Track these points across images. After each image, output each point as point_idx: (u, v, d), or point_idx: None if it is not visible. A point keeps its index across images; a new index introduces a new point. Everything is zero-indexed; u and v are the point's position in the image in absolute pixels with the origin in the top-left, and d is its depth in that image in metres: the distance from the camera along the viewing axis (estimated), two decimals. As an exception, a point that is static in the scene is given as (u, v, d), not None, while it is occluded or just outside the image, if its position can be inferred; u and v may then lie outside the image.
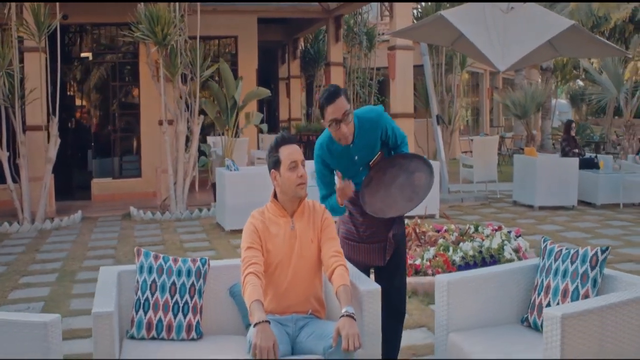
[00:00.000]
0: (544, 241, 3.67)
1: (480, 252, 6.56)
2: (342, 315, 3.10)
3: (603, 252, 3.37)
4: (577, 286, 3.34)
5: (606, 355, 2.91)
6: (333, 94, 3.55)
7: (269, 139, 15.78)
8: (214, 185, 11.76)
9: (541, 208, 10.92)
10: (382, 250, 3.79)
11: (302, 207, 3.53)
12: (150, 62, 10.83)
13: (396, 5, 12.24)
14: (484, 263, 6.44)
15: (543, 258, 3.58)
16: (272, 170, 3.47)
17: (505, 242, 6.75)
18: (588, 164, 11.60)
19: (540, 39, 8.23)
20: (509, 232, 7.16)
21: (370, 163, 3.73)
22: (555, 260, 3.49)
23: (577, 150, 12.03)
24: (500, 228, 7.33)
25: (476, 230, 7.31)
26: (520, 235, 7.17)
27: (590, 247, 3.44)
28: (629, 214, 10.57)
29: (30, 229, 9.77)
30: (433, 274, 6.28)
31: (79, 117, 17.34)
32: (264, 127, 13.69)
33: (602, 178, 11.14)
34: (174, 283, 3.56)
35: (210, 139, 14.18)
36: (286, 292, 3.44)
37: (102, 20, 13.21)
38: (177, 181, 10.84)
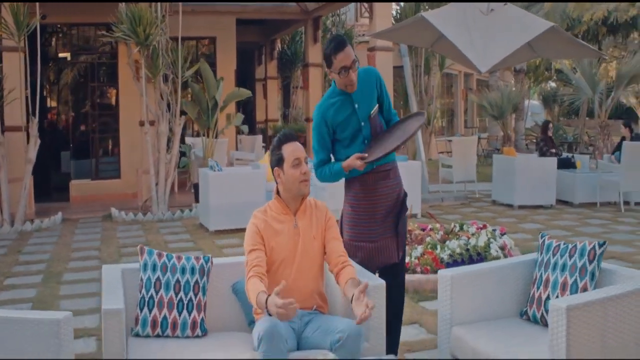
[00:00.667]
0: (542, 237, 3.76)
1: (467, 249, 6.66)
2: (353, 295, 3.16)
3: (601, 246, 3.46)
4: (576, 279, 3.42)
5: (607, 344, 2.99)
6: (342, 42, 3.75)
7: (248, 140, 15.82)
8: (195, 186, 11.73)
9: (520, 207, 11.07)
10: (394, 246, 3.87)
11: (304, 205, 3.58)
12: (131, 62, 10.77)
13: (376, 6, 12.34)
14: (471, 260, 6.53)
15: (541, 253, 3.66)
16: (276, 168, 3.51)
17: (491, 240, 6.86)
18: (565, 164, 11.79)
19: (520, 40, 8.36)
20: (494, 230, 7.27)
21: (370, 115, 3.91)
22: (554, 254, 3.57)
23: (554, 151, 12.20)
24: (485, 226, 7.43)
25: (461, 228, 7.40)
26: (505, 233, 7.29)
27: (588, 241, 3.53)
28: (606, 212, 10.77)
29: (10, 231, 9.66)
30: (422, 272, 6.37)
31: (55, 118, 17.18)
32: (245, 128, 13.70)
33: (580, 177, 11.34)
34: (178, 281, 3.57)
35: (188, 140, 14.14)
36: (290, 289, 3.46)
37: (81, 20, 13.11)
38: (159, 182, 10.80)
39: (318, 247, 3.54)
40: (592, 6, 14.00)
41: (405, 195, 4.05)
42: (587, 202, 11.35)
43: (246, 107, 21.45)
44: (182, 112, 11.39)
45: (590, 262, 3.42)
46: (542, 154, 12.09)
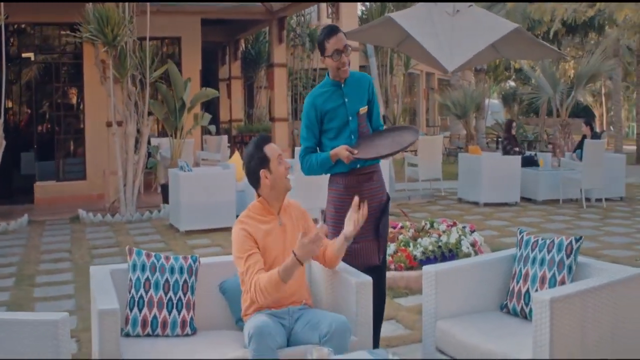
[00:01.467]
0: (520, 232, 3.90)
1: (440, 247, 6.80)
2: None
3: (577, 241, 3.61)
4: (554, 273, 3.57)
5: (587, 335, 3.14)
6: (334, 28, 4.01)
7: (214, 140, 15.79)
8: (163, 187, 11.70)
9: (486, 204, 11.30)
10: (375, 248, 3.98)
11: (285, 204, 3.67)
12: (98, 63, 10.68)
13: (342, 7, 12.46)
14: (444, 257, 6.68)
15: (520, 248, 3.80)
16: (261, 170, 3.56)
17: (462, 237, 7.02)
18: (528, 162, 12.07)
19: (486, 41, 8.55)
20: (464, 227, 7.44)
21: (359, 112, 4.05)
22: (533, 249, 3.71)
23: (517, 149, 12.48)
24: (455, 224, 7.58)
25: (432, 226, 7.54)
26: (474, 231, 7.45)
27: (565, 237, 3.68)
28: (569, 209, 11.06)
29: (-24, 234, 9.53)
30: (396, 269, 6.49)
31: (17, 118, 16.91)
32: (212, 128, 13.69)
33: (543, 175, 11.63)
34: (167, 280, 3.62)
35: (154, 140, 14.06)
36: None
37: (45, 19, 12.93)
38: (127, 183, 10.74)
39: None
40: (554, 7, 14.32)
41: (389, 199, 4.16)
42: (550, 199, 11.65)
43: (209, 107, 21.37)
44: (149, 113, 11.35)
45: (568, 256, 3.57)
46: (506, 152, 12.36)
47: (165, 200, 11.34)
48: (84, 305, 6.02)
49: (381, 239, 4.09)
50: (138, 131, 10.90)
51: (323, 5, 16.93)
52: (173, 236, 9.16)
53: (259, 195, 3.66)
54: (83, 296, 6.32)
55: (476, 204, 11.45)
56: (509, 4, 15.98)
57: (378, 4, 13.83)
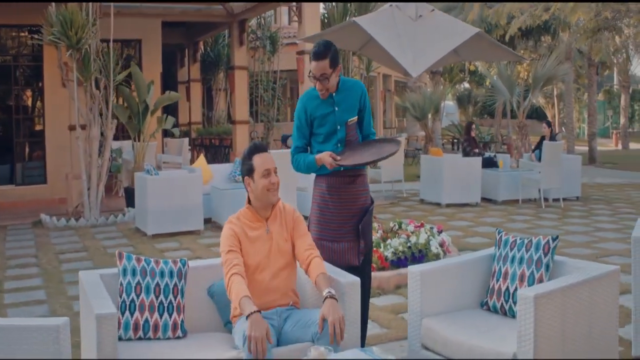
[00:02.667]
0: (499, 233, 4.06)
1: (409, 247, 6.95)
2: (325, 298, 3.36)
3: (554, 240, 3.78)
4: (532, 271, 3.73)
5: (567, 330, 3.30)
6: (318, 53, 3.98)
7: (175, 143, 15.73)
8: (126, 190, 11.63)
9: (448, 205, 11.54)
10: (356, 250, 4.10)
11: (274, 212, 3.75)
12: (61, 65, 10.57)
13: (305, 10, 12.54)
14: (414, 258, 6.83)
15: (499, 248, 3.96)
16: (246, 177, 3.67)
17: (431, 237, 7.18)
18: (488, 163, 12.34)
19: (449, 46, 8.74)
20: (432, 228, 7.60)
21: (348, 122, 4.14)
22: (511, 249, 3.87)
23: (477, 150, 12.75)
24: (422, 225, 7.75)
25: (400, 227, 7.69)
26: (442, 231, 7.63)
27: (542, 236, 3.85)
28: (528, 209, 11.37)
29: (-64, 240, 9.34)
30: (368, 270, 6.61)
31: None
32: (176, 131, 13.64)
33: (503, 176, 11.92)
34: (157, 284, 3.66)
35: (114, 144, 13.92)
36: (267, 289, 3.64)
37: (3, 21, 12.70)
38: (91, 187, 10.65)
39: (289, 248, 3.74)
40: (511, 12, 14.68)
41: (372, 202, 4.28)
42: (509, 200, 11.95)
43: (168, 110, 21.24)
44: (113, 116, 11.26)
45: (545, 254, 3.74)
46: (466, 154, 12.61)
47: (129, 203, 11.27)
48: (57, 310, 6.00)
49: (362, 241, 4.20)
50: (102, 134, 10.81)
51: (286, 8, 17.04)
52: (141, 240, 9.13)
53: (249, 200, 3.74)
54: (56, 301, 6.30)
55: (438, 204, 11.67)
56: (469, 17, 16.29)
57: (340, 6, 13.95)
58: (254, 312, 3.22)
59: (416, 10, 8.75)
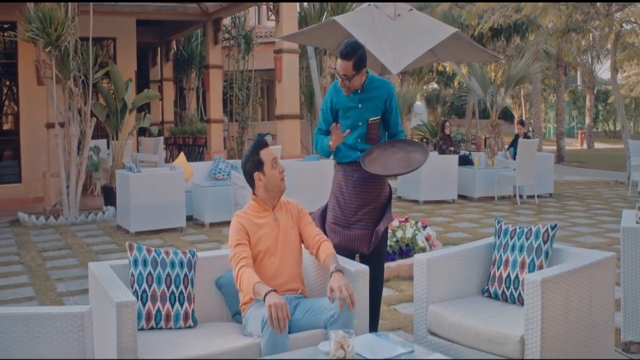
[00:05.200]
0: (498, 222, 4.19)
1: (397, 241, 7.08)
2: (332, 272, 3.48)
3: (552, 228, 3.92)
4: (532, 258, 3.86)
5: (570, 313, 3.44)
6: (344, 54, 4.08)
7: (149, 142, 15.63)
8: (104, 188, 11.57)
9: (426, 202, 11.71)
10: (367, 238, 4.19)
11: (280, 203, 3.86)
12: (40, 63, 10.47)
13: (283, 10, 12.59)
14: (401, 251, 6.97)
15: (499, 237, 4.09)
16: (256, 172, 3.77)
17: (417, 232, 7.32)
18: (464, 161, 12.55)
19: (427, 45, 8.87)
20: (417, 223, 7.74)
21: (369, 121, 4.23)
22: (512, 237, 4.00)
23: (452, 148, 12.94)
24: (407, 219, 7.88)
25: (385, 222, 7.80)
26: (427, 226, 7.77)
27: (541, 225, 3.99)
28: (504, 205, 11.60)
29: None
30: (358, 263, 6.71)
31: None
32: (155, 129, 13.59)
33: (479, 173, 12.13)
34: (169, 274, 3.71)
35: (90, 142, 13.82)
36: (276, 275, 3.73)
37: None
38: (70, 185, 10.58)
39: (295, 236, 3.85)
40: (483, 13, 14.93)
41: (391, 193, 4.39)
42: (485, 196, 12.17)
43: (141, 109, 21.11)
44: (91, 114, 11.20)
45: (545, 242, 3.87)
46: (442, 152, 12.79)
47: (108, 202, 11.23)
48: (49, 305, 5.98)
49: (378, 230, 4.28)
50: (81, 133, 10.74)
51: (264, 7, 17.03)
52: (123, 237, 9.10)
53: (254, 194, 3.84)
54: (46, 297, 6.27)
55: (416, 201, 11.83)
56: (438, 8, 16.50)
57: (317, 6, 14.03)
58: (271, 290, 3.30)
59: (395, 9, 8.88)
